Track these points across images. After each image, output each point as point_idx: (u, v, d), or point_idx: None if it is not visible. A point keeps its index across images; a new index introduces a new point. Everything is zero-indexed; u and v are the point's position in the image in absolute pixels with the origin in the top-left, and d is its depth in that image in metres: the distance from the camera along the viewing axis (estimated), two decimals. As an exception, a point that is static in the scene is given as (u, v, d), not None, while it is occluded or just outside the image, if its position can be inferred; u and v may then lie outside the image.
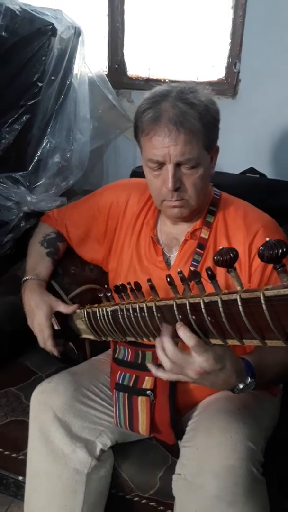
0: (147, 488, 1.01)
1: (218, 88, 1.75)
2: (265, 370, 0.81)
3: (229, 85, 1.78)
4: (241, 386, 0.76)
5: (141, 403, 0.94)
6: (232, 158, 1.58)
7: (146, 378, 0.95)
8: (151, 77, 1.94)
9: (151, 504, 1.02)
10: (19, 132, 1.50)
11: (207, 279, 0.95)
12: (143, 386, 0.94)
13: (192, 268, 0.65)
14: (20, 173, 1.56)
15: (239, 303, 0.57)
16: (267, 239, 0.52)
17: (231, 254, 0.57)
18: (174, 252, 1.03)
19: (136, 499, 1.03)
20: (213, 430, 0.85)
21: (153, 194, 0.98)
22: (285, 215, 1.19)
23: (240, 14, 1.68)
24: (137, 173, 1.63)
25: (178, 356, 0.70)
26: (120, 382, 0.99)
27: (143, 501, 1.02)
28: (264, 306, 0.53)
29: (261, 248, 0.51)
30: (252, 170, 1.66)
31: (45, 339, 1.06)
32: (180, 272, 0.70)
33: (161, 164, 0.91)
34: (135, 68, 1.97)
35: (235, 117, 1.72)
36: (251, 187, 1.57)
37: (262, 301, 0.53)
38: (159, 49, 1.89)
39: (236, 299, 0.57)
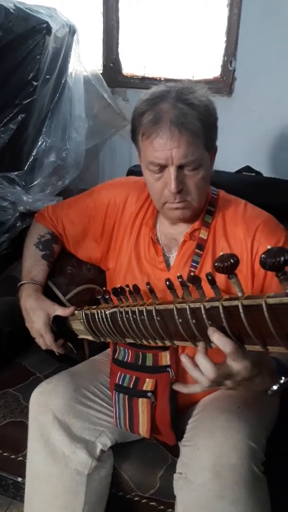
0: (147, 488, 1.01)
1: (214, 86, 1.75)
2: None
3: (224, 83, 1.78)
4: (274, 387, 0.73)
5: (142, 405, 0.93)
6: (228, 157, 1.57)
7: (147, 379, 0.94)
8: (146, 75, 1.94)
9: (152, 503, 1.02)
10: (14, 132, 1.49)
11: (206, 281, 0.95)
12: (144, 388, 0.94)
13: (192, 273, 0.64)
14: (16, 173, 1.55)
15: (241, 310, 0.57)
16: (269, 246, 0.51)
17: (231, 260, 0.57)
18: (174, 253, 1.02)
19: (136, 498, 1.03)
20: (214, 429, 0.85)
21: (154, 197, 0.97)
22: (281, 213, 1.19)
23: (235, 12, 1.68)
24: (134, 172, 1.62)
25: (217, 373, 0.66)
26: (120, 383, 0.98)
27: (144, 500, 1.02)
28: (266, 313, 0.53)
29: (263, 256, 0.51)
30: (248, 168, 1.66)
31: (48, 344, 1.06)
32: (180, 277, 0.69)
33: (162, 167, 0.90)
34: (130, 66, 1.96)
35: (231, 115, 1.72)
36: (247, 186, 1.57)
37: (264, 309, 0.53)
38: (155, 47, 1.89)
39: (237, 306, 0.57)
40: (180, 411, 0.97)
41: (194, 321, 0.66)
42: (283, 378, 0.73)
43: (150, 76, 1.93)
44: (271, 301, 0.52)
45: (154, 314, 0.75)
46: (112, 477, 1.01)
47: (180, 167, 0.89)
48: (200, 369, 0.68)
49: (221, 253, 0.58)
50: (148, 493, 1.01)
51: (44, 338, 1.06)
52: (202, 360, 0.67)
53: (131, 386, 0.96)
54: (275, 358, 0.77)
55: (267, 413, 0.96)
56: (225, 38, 1.74)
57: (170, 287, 0.71)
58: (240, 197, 1.06)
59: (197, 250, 0.98)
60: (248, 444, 0.82)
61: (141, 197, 1.09)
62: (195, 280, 0.65)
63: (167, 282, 0.71)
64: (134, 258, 1.05)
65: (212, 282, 0.62)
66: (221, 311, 0.60)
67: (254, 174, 1.65)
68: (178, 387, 0.78)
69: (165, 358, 0.92)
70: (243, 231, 0.96)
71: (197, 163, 0.89)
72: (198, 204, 0.95)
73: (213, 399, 0.95)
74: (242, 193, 1.09)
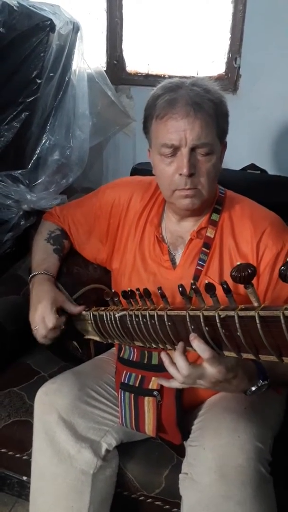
0: (153, 487, 1.01)
1: (218, 83, 1.74)
2: (279, 371, 0.81)
3: (229, 80, 1.76)
4: (253, 388, 0.77)
5: (148, 403, 0.93)
6: (233, 154, 1.55)
7: (153, 378, 0.94)
8: (150, 72, 1.92)
9: (157, 503, 1.02)
10: (18, 130, 1.49)
11: (215, 281, 0.94)
12: (150, 387, 0.94)
13: (207, 281, 0.64)
14: (20, 171, 1.54)
15: (257, 321, 0.56)
16: None
17: (249, 270, 0.56)
18: (179, 251, 1.01)
19: (141, 498, 1.03)
20: (220, 430, 0.85)
21: (164, 184, 0.95)
22: (287, 212, 1.18)
23: (240, 9, 1.66)
24: (138, 170, 1.62)
25: (190, 372, 0.72)
26: (126, 382, 0.98)
27: (149, 500, 1.02)
28: (284, 326, 0.52)
29: (282, 268, 0.50)
30: (253, 166, 1.65)
31: (48, 327, 0.99)
32: (194, 284, 0.69)
33: (175, 150, 0.89)
34: (134, 63, 1.95)
35: (236, 113, 1.66)
36: (252, 184, 1.56)
37: (282, 321, 0.52)
38: (158, 44, 1.88)
39: (254, 316, 0.56)
40: (186, 410, 0.96)
41: (207, 328, 0.65)
42: (260, 381, 0.78)
43: (154, 73, 1.92)
44: None
45: (165, 319, 0.74)
46: (117, 476, 1.00)
47: (192, 150, 0.89)
48: (176, 366, 0.73)
49: (238, 263, 0.58)
50: (153, 492, 1.01)
51: (45, 321, 1.00)
52: (178, 358, 0.73)
53: (137, 385, 0.96)
54: (255, 362, 0.78)
55: (273, 414, 0.95)
56: (230, 35, 1.72)
57: (183, 293, 0.71)
58: (245, 195, 1.05)
59: (204, 249, 0.97)
60: (255, 444, 0.82)
61: (145, 196, 1.08)
62: (209, 288, 0.64)
63: (180, 289, 0.71)
64: (139, 258, 1.05)
65: (228, 291, 0.62)
66: (236, 321, 0.59)
67: (259, 172, 1.64)
68: (161, 381, 0.83)
69: None
70: (250, 232, 0.95)
71: (210, 148, 0.89)
72: (207, 194, 0.94)
73: (219, 399, 0.95)
74: (247, 191, 1.08)
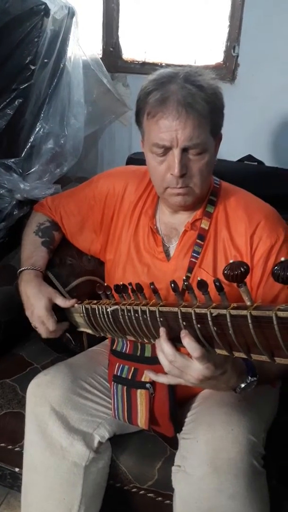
0: (145, 480, 1.01)
1: (216, 72, 1.70)
2: (268, 367, 0.80)
3: (227, 69, 1.74)
4: (242, 385, 0.77)
5: (140, 396, 0.92)
6: (230, 145, 1.53)
7: (145, 371, 0.93)
8: (147, 60, 1.89)
9: (149, 495, 1.02)
10: (11, 117, 1.46)
11: (209, 273, 0.93)
12: (143, 379, 0.93)
13: (199, 278, 0.63)
14: (13, 160, 1.52)
15: (249, 320, 0.55)
16: (283, 258, 0.49)
17: (241, 269, 0.55)
18: (174, 243, 1.00)
19: (134, 490, 1.02)
20: (214, 423, 0.84)
21: (156, 181, 0.94)
22: (283, 204, 1.17)
23: (239, -4, 1.63)
24: (133, 159, 1.60)
25: (177, 359, 0.70)
26: (119, 374, 0.97)
27: (141, 492, 1.02)
28: (276, 327, 0.52)
29: (276, 268, 0.49)
30: (250, 157, 1.63)
31: (50, 330, 1.03)
32: (186, 280, 0.68)
33: (166, 149, 0.87)
34: (130, 51, 1.92)
35: (233, 103, 1.65)
36: (249, 175, 1.54)
37: (274, 322, 0.51)
38: (156, 32, 1.84)
39: (246, 316, 0.55)
40: (179, 403, 0.96)
41: (199, 325, 0.65)
42: (249, 377, 0.77)
43: (151, 61, 1.89)
44: (282, 314, 0.51)
45: (157, 315, 0.73)
46: (110, 468, 1.00)
47: (184, 150, 0.86)
48: (163, 351, 0.72)
49: (231, 261, 0.56)
50: (146, 484, 1.01)
51: (46, 324, 1.02)
52: (164, 343, 0.72)
53: (129, 377, 0.95)
54: (244, 359, 0.77)
55: (266, 407, 0.95)
56: (228, 23, 1.70)
57: (175, 289, 0.69)
58: (241, 187, 1.04)
59: (198, 241, 0.96)
60: (248, 438, 0.81)
61: (140, 186, 1.06)
62: (201, 285, 0.63)
63: (172, 285, 0.70)
64: (134, 249, 1.03)
65: (220, 288, 0.60)
66: (228, 319, 0.58)
67: (256, 163, 1.62)
68: (149, 373, 0.81)
69: None
70: (244, 224, 0.94)
71: (202, 147, 0.87)
72: (200, 191, 0.92)
73: (212, 392, 0.94)
74: (243, 182, 1.07)
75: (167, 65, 1.79)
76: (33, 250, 1.13)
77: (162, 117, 0.84)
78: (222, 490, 0.80)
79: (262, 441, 0.87)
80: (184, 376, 0.71)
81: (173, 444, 0.96)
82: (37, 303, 1.02)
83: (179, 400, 0.96)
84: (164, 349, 0.72)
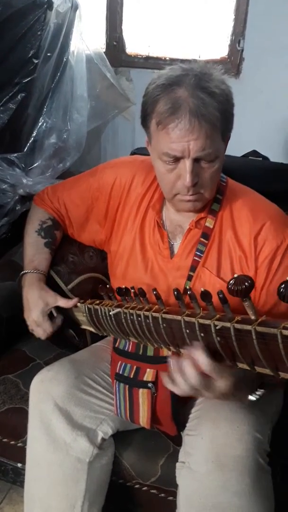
0: (148, 476, 1.00)
1: (221, 67, 1.70)
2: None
3: (232, 64, 1.72)
4: (253, 399, 0.76)
5: (142, 395, 0.92)
6: (234, 140, 1.51)
7: (148, 370, 0.92)
8: (151, 55, 1.88)
9: (152, 491, 1.01)
10: (14, 112, 1.45)
11: (212, 273, 0.93)
12: (145, 378, 0.92)
13: (202, 289, 0.62)
14: (15, 155, 1.52)
15: (254, 336, 0.55)
16: None
17: (246, 284, 0.54)
18: (178, 241, 0.99)
19: (137, 486, 1.02)
20: (219, 420, 0.84)
21: (165, 187, 0.91)
22: (288, 200, 1.16)
23: (244, -11, 1.61)
24: (137, 155, 1.58)
25: (200, 383, 0.68)
26: (121, 372, 0.96)
27: (144, 488, 1.02)
28: (281, 345, 0.51)
29: (282, 286, 0.48)
30: (254, 152, 1.62)
31: (47, 332, 1.05)
32: (190, 289, 0.67)
33: (177, 159, 0.84)
34: (134, 45, 1.91)
35: (238, 97, 1.63)
36: (254, 171, 1.53)
37: (279, 340, 0.51)
38: (160, 26, 1.83)
39: (250, 331, 0.55)
40: (181, 401, 0.95)
41: (202, 335, 0.64)
42: (260, 390, 0.77)
43: (155, 55, 1.87)
44: (287, 332, 0.51)
45: (160, 321, 0.73)
46: (113, 465, 1.00)
47: (196, 160, 0.84)
48: (184, 374, 0.69)
49: (236, 275, 0.55)
50: (149, 481, 1.00)
51: (41, 327, 1.04)
52: (188, 366, 0.68)
53: (131, 376, 0.95)
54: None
55: (271, 404, 0.95)
56: (234, 16, 1.68)
57: (179, 297, 0.68)
58: (245, 183, 1.02)
59: (202, 239, 0.94)
60: (254, 435, 0.81)
61: (148, 178, 1.04)
62: (205, 296, 0.62)
63: (175, 292, 0.69)
64: (138, 242, 1.02)
65: (224, 301, 0.59)
66: (232, 333, 0.58)
67: (261, 159, 1.61)
68: (163, 378, 0.76)
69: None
70: (249, 226, 0.92)
71: (214, 155, 0.84)
72: (210, 196, 0.91)
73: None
74: (248, 178, 1.05)
75: (171, 60, 1.78)
76: (35, 252, 1.12)
77: (174, 128, 0.80)
78: (227, 487, 0.79)
79: (268, 439, 0.86)
80: (201, 392, 0.71)
81: (177, 441, 0.95)
82: (34, 307, 1.03)
83: (182, 398, 0.95)
84: (187, 371, 0.68)
